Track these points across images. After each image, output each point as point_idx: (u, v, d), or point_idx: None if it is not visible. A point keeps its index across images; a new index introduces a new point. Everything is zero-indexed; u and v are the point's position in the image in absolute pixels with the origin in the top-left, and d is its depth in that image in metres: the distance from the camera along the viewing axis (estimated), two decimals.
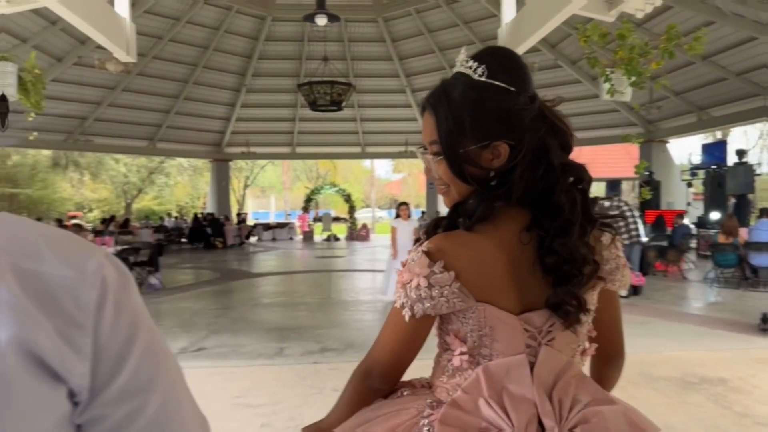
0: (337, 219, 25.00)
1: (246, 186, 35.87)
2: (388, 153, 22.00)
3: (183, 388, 0.60)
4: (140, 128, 18.15)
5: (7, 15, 11.73)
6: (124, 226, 15.85)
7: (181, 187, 34.37)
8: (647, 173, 13.59)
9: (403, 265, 1.00)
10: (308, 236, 21.96)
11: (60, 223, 13.14)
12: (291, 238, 22.34)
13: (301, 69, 17.58)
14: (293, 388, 4.37)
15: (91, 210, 30.18)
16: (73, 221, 19.86)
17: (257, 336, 6.15)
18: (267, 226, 22.85)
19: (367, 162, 31.66)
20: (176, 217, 23.14)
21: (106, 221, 16.59)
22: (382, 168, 41.17)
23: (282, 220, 25.43)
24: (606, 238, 1.05)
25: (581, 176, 1.01)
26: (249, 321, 7.11)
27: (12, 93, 3.55)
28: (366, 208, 33.32)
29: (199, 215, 20.45)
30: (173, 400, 0.57)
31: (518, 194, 0.97)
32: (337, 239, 21.75)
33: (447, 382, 1.02)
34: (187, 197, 34.33)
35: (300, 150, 21.07)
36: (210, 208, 21.53)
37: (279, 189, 37.55)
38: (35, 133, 10.73)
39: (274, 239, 21.99)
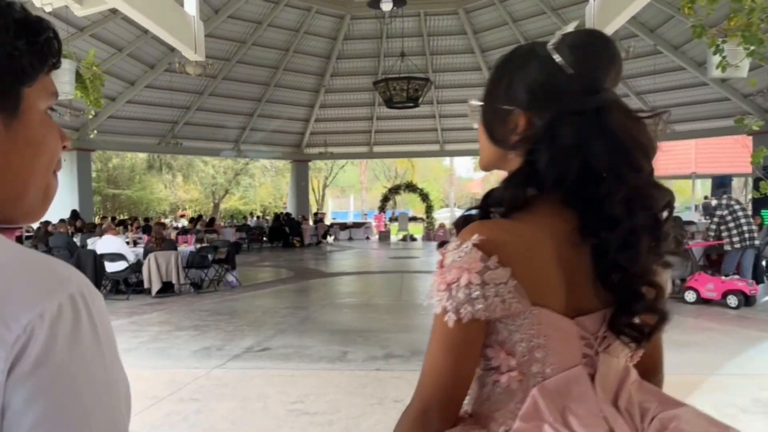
0: (413, 219, 24.76)
1: (325, 186, 36.52)
2: (468, 150, 21.53)
3: None
4: (226, 131, 18.81)
5: (105, 25, 12.57)
6: (210, 224, 16.45)
7: (264, 187, 35.37)
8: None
9: (441, 264, 0.86)
10: (384, 236, 21.90)
11: (147, 221, 13.84)
12: (367, 238, 22.37)
13: (379, 67, 17.56)
14: (353, 396, 4.20)
15: (185, 209, 31.77)
16: (169, 219, 20.88)
17: (322, 338, 6.05)
18: (344, 226, 23.02)
19: (446, 160, 31.23)
20: (258, 217, 23.84)
21: (194, 220, 17.30)
22: (463, 166, 40.50)
23: (359, 220, 25.54)
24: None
25: (652, 201, 0.88)
26: (316, 322, 7.05)
27: (68, 90, 3.58)
28: (445, 207, 32.93)
29: (280, 215, 20.97)
30: None
31: (550, 183, 0.87)
32: (413, 239, 21.53)
33: (496, 409, 0.89)
34: (270, 197, 35.40)
35: (377, 149, 21.07)
36: (289, 208, 22.01)
37: (358, 189, 37.93)
38: (95, 131, 11.37)
39: (350, 239, 22.11)
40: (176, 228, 16.45)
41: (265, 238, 19.60)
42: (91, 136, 11.07)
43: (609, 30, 6.62)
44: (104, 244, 8.71)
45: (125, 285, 9.02)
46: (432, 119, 19.54)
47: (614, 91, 0.90)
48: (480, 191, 38.22)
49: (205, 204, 32.31)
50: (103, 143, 17.03)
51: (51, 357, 0.50)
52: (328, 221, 25.28)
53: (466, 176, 43.25)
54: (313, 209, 27.27)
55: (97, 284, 8.73)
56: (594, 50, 0.89)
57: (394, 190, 23.42)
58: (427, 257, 15.45)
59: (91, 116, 3.84)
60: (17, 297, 0.51)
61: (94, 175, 24.48)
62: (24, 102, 0.64)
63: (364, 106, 19.49)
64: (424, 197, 22.52)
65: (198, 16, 5.41)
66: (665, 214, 0.90)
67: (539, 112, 0.89)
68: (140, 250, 9.15)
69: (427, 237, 21.77)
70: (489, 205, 0.93)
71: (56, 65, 0.70)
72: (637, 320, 0.87)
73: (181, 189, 32.66)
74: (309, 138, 20.51)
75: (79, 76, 3.67)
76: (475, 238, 0.84)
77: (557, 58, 0.89)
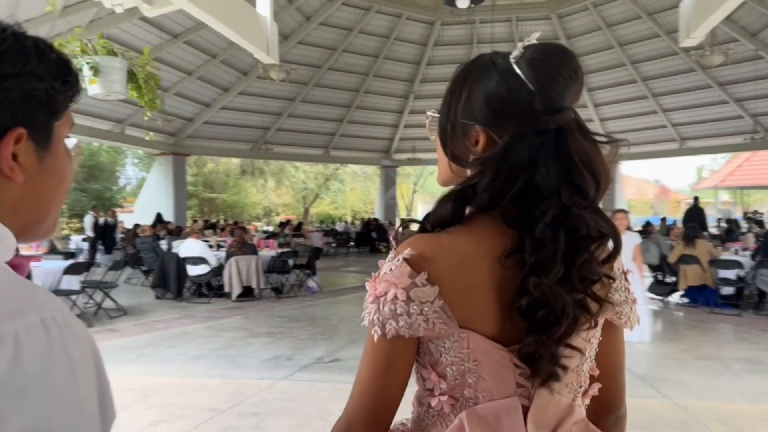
0: None
1: (414, 191, 36.38)
2: None
3: None
4: (316, 137, 19.13)
5: (199, 33, 13.09)
6: (297, 229, 16.73)
7: (354, 192, 35.75)
8: None
9: (375, 276, 0.85)
10: None
11: (236, 224, 14.29)
12: None
13: None
14: None
15: (278, 213, 32.79)
16: (261, 223, 21.52)
17: None
18: None
19: None
20: (346, 222, 24.05)
21: (282, 224, 17.68)
22: None
23: None
24: (619, 265, 0.93)
25: (586, 229, 0.83)
26: None
27: (119, 89, 3.56)
28: None
29: (369, 220, 21.02)
30: None
31: (483, 201, 0.84)
32: None
33: (423, 429, 0.89)
34: (360, 203, 35.75)
35: None
36: (377, 214, 22.03)
37: None
38: (151, 134, 11.74)
39: None
40: (265, 232, 16.88)
41: (351, 243, 19.68)
42: (147, 138, 11.48)
43: (703, 29, 6.12)
44: (187, 247, 8.96)
45: (207, 288, 9.23)
46: None
47: (574, 108, 0.86)
48: None
49: (296, 208, 33.18)
50: (197, 148, 17.83)
51: (17, 372, 0.52)
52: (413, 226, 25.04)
53: None
54: (402, 215, 27.16)
55: (180, 287, 9.00)
56: (555, 66, 0.85)
57: None
58: None
59: (146, 117, 3.80)
60: None
61: (191, 179, 25.86)
62: (54, 134, 0.71)
63: None
64: None
65: (272, 18, 5.35)
66: (601, 248, 0.85)
67: (499, 128, 0.85)
68: (223, 254, 9.33)
69: None
70: (431, 225, 0.87)
71: (78, 100, 0.76)
72: (542, 353, 0.80)
73: (273, 193, 33.69)
74: (398, 144, 20.42)
75: (133, 76, 3.65)
76: (407, 252, 0.82)
77: (519, 72, 0.85)
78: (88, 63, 3.40)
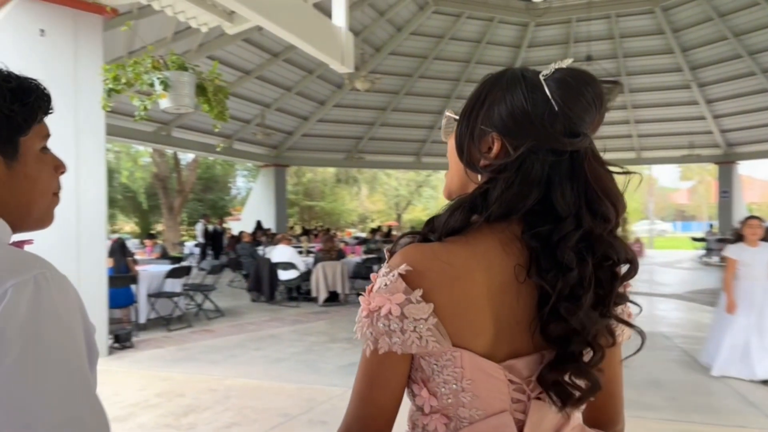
0: None
1: None
2: (668, 158, 19.33)
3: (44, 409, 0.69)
4: (407, 145, 19.29)
5: (296, 51, 13.70)
6: (387, 235, 16.96)
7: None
8: None
9: (369, 289, 0.85)
10: None
11: (325, 230, 14.79)
12: None
13: None
14: None
15: (372, 220, 33.43)
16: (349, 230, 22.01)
17: None
18: None
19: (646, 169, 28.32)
20: None
21: (374, 231, 18.00)
22: (667, 175, 36.43)
23: None
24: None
25: (612, 253, 0.84)
26: None
27: (188, 103, 3.77)
28: (644, 220, 29.86)
29: None
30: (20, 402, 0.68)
31: (493, 212, 0.83)
32: None
33: None
34: None
35: None
36: None
37: None
38: (221, 144, 12.28)
39: None
40: (356, 238, 17.24)
41: None
42: (218, 148, 12.04)
43: None
44: (278, 253, 9.38)
45: (297, 292, 9.60)
46: (626, 125, 17.86)
47: (591, 138, 0.86)
48: (688, 203, 33.97)
49: (389, 215, 33.62)
50: (296, 159, 18.58)
51: (15, 315, 0.70)
52: None
53: (670, 185, 38.83)
54: None
55: (272, 291, 9.43)
56: (582, 91, 0.85)
57: None
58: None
59: (216, 129, 4.00)
60: None
61: (292, 188, 26.95)
62: (21, 148, 0.88)
63: None
64: None
65: (347, 28, 5.49)
66: (623, 272, 0.86)
67: (515, 139, 0.85)
68: (311, 259, 9.67)
69: None
70: (431, 231, 0.87)
71: (47, 114, 0.94)
72: (567, 379, 0.81)
73: (367, 200, 34.31)
74: None
75: (203, 90, 3.88)
76: (403, 267, 0.81)
77: (546, 89, 0.85)
78: (158, 78, 3.67)
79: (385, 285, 0.81)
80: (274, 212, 17.54)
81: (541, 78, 0.87)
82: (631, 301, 0.89)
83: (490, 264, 0.82)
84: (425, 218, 0.93)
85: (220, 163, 26.83)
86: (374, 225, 26.07)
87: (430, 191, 34.16)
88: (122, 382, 5.15)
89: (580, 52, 15.29)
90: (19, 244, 0.91)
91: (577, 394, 0.80)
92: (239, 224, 18.39)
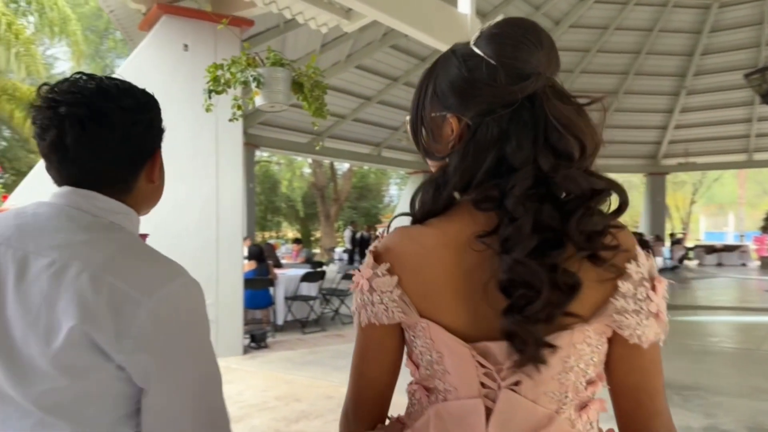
0: None
1: (692, 202, 31.57)
2: None
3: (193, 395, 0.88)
4: None
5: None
6: None
7: (614, 203, 32.35)
8: None
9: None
10: (767, 263, 17.57)
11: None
12: (743, 264, 18.36)
13: (759, 58, 14.30)
14: None
15: None
16: None
17: None
18: (711, 249, 19.41)
19: None
20: None
21: None
22: None
23: (736, 242, 21.18)
24: (634, 270, 0.80)
25: (570, 188, 0.79)
26: None
27: (281, 99, 3.63)
28: None
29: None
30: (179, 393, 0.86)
31: (456, 183, 0.83)
32: None
33: (413, 420, 0.89)
34: (625, 215, 32.27)
35: (759, 157, 17.13)
36: (643, 227, 19.75)
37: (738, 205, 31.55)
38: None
39: (719, 264, 18.51)
40: None
41: None
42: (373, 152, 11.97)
43: None
44: None
45: None
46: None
47: (550, 75, 0.83)
48: None
49: None
50: None
51: (186, 301, 0.88)
52: (692, 242, 21.77)
53: None
54: (677, 228, 23.91)
55: None
56: (517, 35, 0.82)
57: None
58: None
59: (315, 127, 3.83)
60: (151, 274, 0.86)
61: None
62: (159, 158, 1.01)
63: (739, 107, 16.13)
64: None
65: (473, 14, 5.07)
66: (600, 202, 0.81)
67: (468, 110, 0.84)
68: None
69: None
70: (419, 214, 0.88)
71: None
72: (518, 328, 0.76)
73: None
74: (666, 147, 18.02)
75: (300, 86, 3.74)
76: (374, 245, 0.88)
77: (478, 51, 0.84)
78: (251, 76, 3.62)
79: (365, 263, 0.87)
80: None
81: (471, 44, 0.85)
82: (614, 266, 0.79)
83: (460, 240, 0.81)
84: None
85: (374, 172, 27.65)
86: None
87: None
88: (248, 382, 5.28)
89: None
90: (142, 237, 1.01)
91: (527, 346, 0.75)
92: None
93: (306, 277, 7.67)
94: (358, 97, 13.37)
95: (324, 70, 5.01)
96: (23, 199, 4.75)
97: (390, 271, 0.82)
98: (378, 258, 0.85)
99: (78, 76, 0.92)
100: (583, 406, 0.82)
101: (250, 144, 12.25)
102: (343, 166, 23.32)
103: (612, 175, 0.88)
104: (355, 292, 0.87)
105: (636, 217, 26.43)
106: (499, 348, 0.78)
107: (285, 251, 15.35)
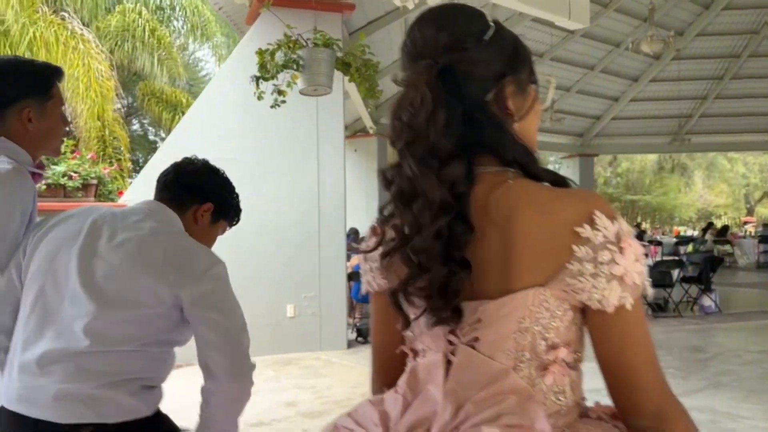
0: None
1: None
2: None
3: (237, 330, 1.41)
4: (757, 120, 15.45)
5: (597, 21, 12.14)
6: (722, 233, 13.81)
7: None
8: None
9: None
10: None
11: (638, 227, 12.70)
12: None
13: None
14: None
15: (719, 216, 27.74)
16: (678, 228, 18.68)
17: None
18: None
19: None
20: None
21: (705, 229, 14.90)
22: None
23: None
24: (591, 233, 0.76)
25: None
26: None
27: (324, 82, 3.37)
28: None
29: None
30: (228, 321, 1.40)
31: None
32: None
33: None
34: None
35: None
36: None
37: None
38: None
39: None
40: (680, 237, 14.55)
41: None
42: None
43: None
44: None
45: None
46: None
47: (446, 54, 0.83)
48: None
49: (738, 209, 27.31)
50: (606, 147, 16.80)
51: (224, 281, 1.40)
52: None
53: None
54: None
55: None
56: (422, 15, 0.89)
57: None
58: None
59: (369, 109, 3.51)
60: (194, 257, 1.39)
61: (608, 181, 24.52)
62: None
63: None
64: None
65: None
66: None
67: None
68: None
69: None
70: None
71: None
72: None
73: (709, 192, 28.51)
74: None
75: (347, 66, 3.46)
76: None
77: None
78: (292, 58, 3.44)
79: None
80: None
81: None
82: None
83: None
84: None
85: None
86: (717, 221, 21.60)
87: None
88: (342, 377, 5.19)
89: None
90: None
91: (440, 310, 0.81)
92: None
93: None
94: None
95: None
96: (134, 197, 5.18)
97: (375, 245, 0.90)
98: (372, 232, 0.92)
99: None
100: (544, 368, 0.81)
101: (381, 135, 12.12)
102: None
103: None
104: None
105: None
106: (468, 308, 0.81)
107: None
